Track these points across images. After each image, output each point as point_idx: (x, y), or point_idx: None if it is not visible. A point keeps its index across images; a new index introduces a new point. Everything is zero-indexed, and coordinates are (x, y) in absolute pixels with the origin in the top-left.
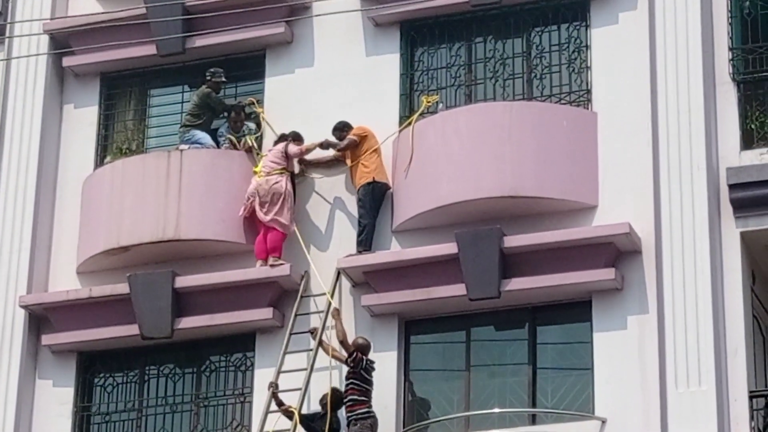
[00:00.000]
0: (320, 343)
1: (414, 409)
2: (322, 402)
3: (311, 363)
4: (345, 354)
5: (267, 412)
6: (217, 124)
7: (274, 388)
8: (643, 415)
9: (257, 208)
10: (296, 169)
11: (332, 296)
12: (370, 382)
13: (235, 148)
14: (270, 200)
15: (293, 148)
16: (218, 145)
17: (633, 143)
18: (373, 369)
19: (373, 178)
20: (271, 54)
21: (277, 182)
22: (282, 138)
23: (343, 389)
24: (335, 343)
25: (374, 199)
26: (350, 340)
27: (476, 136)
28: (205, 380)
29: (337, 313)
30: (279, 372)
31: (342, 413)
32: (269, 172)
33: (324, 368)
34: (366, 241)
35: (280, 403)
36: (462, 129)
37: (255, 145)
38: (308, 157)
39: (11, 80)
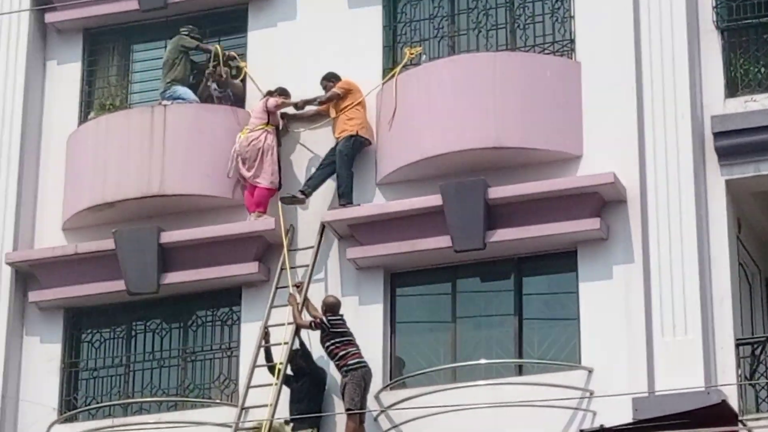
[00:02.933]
0: (305, 299)
1: (400, 361)
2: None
3: (298, 314)
4: (309, 319)
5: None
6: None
7: (264, 334)
8: (630, 364)
9: (240, 165)
10: (281, 124)
11: (317, 251)
12: (347, 334)
13: (219, 87)
14: (250, 157)
15: (271, 102)
16: (201, 100)
17: (617, 93)
18: (342, 322)
19: (356, 131)
20: (254, 8)
21: (256, 138)
22: (269, 94)
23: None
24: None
25: (354, 152)
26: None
27: (460, 87)
28: (192, 335)
29: (294, 300)
30: (266, 326)
31: (329, 368)
32: (252, 129)
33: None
34: (347, 194)
35: (269, 358)
36: (445, 80)
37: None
38: (290, 111)
39: None
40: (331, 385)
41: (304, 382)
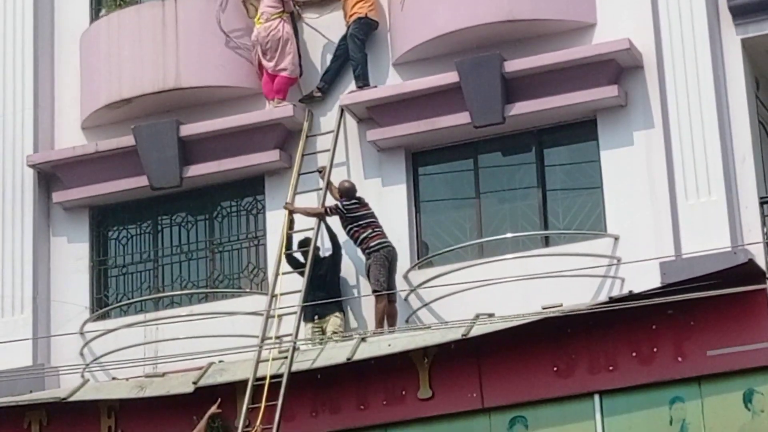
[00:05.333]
0: (328, 183)
1: (427, 239)
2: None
3: (322, 202)
4: (321, 210)
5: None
6: None
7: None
8: (655, 228)
9: (261, 56)
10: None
11: (337, 134)
12: (366, 216)
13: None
14: (271, 47)
15: None
16: None
17: None
18: (358, 205)
19: (365, 13)
20: None
21: (275, 28)
22: None
23: (352, 239)
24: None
25: (365, 34)
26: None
27: None
28: (218, 226)
29: (290, 206)
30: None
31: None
32: (267, 18)
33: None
34: (363, 76)
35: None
36: None
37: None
38: None
39: None
40: (359, 268)
41: (320, 268)
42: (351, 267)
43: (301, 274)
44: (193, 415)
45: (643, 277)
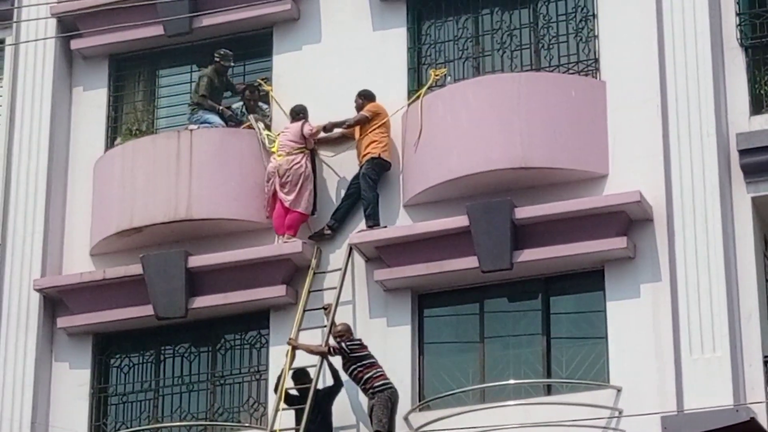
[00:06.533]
0: (333, 322)
1: (429, 382)
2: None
3: (325, 339)
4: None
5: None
6: (227, 103)
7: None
8: (659, 382)
9: (278, 188)
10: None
11: (344, 273)
12: (368, 356)
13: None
14: (291, 180)
15: (307, 129)
16: (227, 123)
17: (642, 111)
18: (360, 346)
19: (379, 154)
20: (279, 31)
21: (298, 163)
22: (293, 113)
23: (354, 380)
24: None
25: (377, 174)
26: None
27: (485, 108)
28: (221, 358)
29: (293, 341)
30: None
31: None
32: (289, 152)
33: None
34: (374, 216)
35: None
36: (470, 101)
37: (257, 125)
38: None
39: (20, 64)
40: (355, 408)
41: (318, 405)
42: (348, 408)
43: (296, 410)
44: None
45: (644, 431)
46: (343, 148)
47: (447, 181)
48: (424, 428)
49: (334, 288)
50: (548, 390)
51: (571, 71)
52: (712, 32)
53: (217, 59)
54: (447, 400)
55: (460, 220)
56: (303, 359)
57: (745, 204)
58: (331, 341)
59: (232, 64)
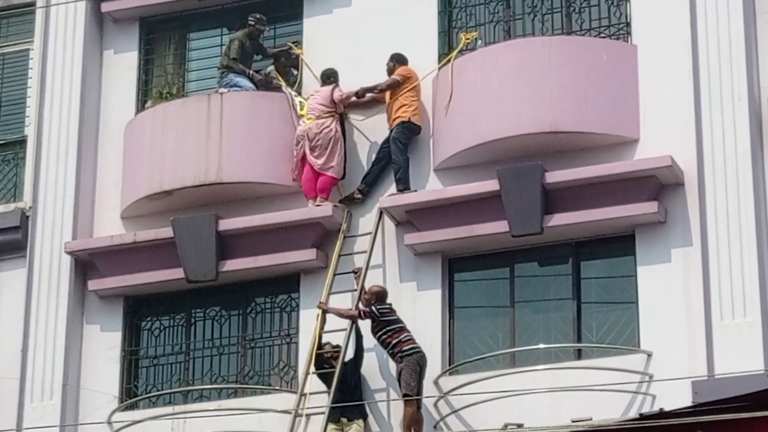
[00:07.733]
0: (362, 286)
1: (459, 346)
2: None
3: (356, 304)
4: (355, 313)
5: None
6: (259, 66)
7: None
8: (689, 347)
9: (308, 152)
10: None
11: (375, 237)
12: (397, 321)
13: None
14: (321, 144)
15: (337, 94)
16: (257, 87)
17: (673, 75)
18: (390, 310)
19: (409, 117)
20: None
21: (328, 126)
22: (324, 77)
23: (382, 344)
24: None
25: (408, 138)
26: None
27: (515, 72)
28: (251, 322)
29: (323, 312)
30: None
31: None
32: (319, 116)
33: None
34: (404, 179)
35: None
36: (501, 65)
37: (287, 90)
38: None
39: (51, 28)
40: (384, 372)
41: (344, 372)
42: (377, 371)
43: (323, 377)
44: None
45: (674, 396)
46: (373, 112)
47: (477, 145)
48: (454, 392)
49: (364, 252)
50: (578, 354)
51: (602, 35)
52: None
53: (252, 23)
54: (477, 365)
55: (491, 184)
56: (333, 323)
57: None
58: (361, 305)
59: (266, 27)
